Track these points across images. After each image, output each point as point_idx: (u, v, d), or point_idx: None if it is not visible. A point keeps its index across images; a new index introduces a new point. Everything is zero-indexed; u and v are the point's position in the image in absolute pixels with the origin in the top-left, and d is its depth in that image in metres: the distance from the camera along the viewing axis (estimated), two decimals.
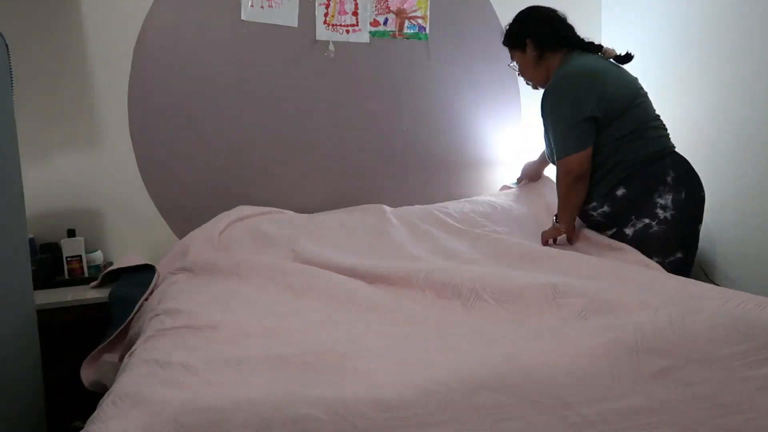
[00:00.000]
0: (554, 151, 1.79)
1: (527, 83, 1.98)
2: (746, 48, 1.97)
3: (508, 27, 1.93)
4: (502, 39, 1.95)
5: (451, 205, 2.25)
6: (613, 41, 2.67)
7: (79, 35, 2.11)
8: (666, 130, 1.79)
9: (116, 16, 2.13)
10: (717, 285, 2.04)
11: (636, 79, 1.81)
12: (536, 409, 0.86)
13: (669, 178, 1.67)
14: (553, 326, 1.13)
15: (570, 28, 1.85)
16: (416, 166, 2.54)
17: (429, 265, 1.58)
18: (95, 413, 0.92)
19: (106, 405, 0.93)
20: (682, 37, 2.26)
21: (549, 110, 1.78)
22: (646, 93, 1.79)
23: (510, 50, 1.94)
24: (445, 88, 2.51)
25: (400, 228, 2.04)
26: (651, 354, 0.94)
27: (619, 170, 1.71)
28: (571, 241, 1.84)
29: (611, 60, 1.84)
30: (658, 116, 1.79)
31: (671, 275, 1.44)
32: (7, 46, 1.27)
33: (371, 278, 1.56)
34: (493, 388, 0.90)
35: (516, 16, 1.91)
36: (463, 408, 0.86)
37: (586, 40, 1.86)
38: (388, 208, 2.22)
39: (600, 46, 1.85)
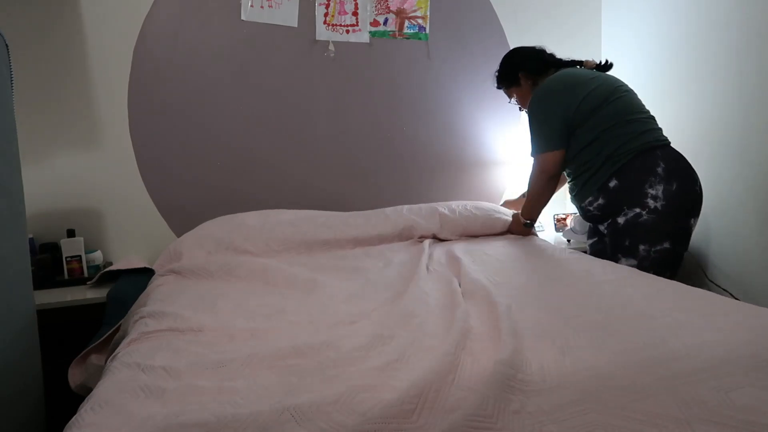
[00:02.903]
0: (532, 148, 1.91)
1: None
2: (746, 48, 1.96)
3: (497, 72, 2.07)
4: (496, 84, 2.10)
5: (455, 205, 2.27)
6: (612, 42, 2.67)
7: (79, 35, 2.11)
8: (656, 124, 1.83)
9: (116, 16, 2.14)
10: (717, 285, 2.07)
11: (616, 79, 1.88)
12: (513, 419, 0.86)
13: (659, 169, 1.70)
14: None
15: (552, 54, 2.01)
16: (416, 166, 2.54)
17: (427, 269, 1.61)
18: (74, 418, 0.90)
19: (85, 411, 0.91)
20: (682, 37, 2.25)
21: (529, 115, 1.92)
22: (629, 90, 1.86)
23: (506, 90, 2.08)
24: (445, 88, 2.51)
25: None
26: None
27: (609, 164, 1.76)
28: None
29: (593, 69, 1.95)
30: (647, 111, 1.84)
31: (668, 281, 1.43)
32: (7, 45, 1.26)
33: (363, 279, 1.57)
34: (464, 387, 0.87)
35: (502, 60, 2.07)
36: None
37: (583, 44, 1.99)
38: (396, 210, 2.24)
39: (580, 61, 1.98)
